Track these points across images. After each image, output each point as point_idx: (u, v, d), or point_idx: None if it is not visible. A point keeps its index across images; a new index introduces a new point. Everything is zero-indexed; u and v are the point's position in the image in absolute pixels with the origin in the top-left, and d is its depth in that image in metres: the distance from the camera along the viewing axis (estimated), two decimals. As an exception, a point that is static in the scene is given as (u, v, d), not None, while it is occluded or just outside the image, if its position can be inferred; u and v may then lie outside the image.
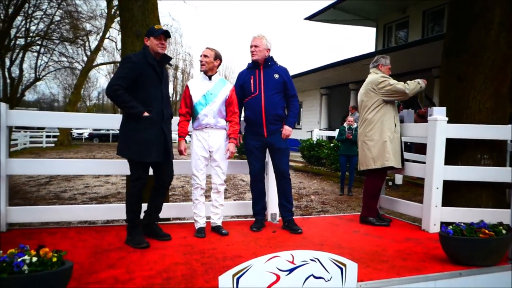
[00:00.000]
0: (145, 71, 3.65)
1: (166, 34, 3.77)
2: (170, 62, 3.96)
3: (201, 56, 4.16)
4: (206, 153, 4.10)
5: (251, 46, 4.33)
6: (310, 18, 19.57)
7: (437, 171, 4.36)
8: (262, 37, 4.34)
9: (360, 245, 3.83)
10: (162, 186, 3.94)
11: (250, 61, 4.43)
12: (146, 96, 3.65)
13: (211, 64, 4.13)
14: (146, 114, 3.62)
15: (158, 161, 3.77)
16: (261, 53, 4.31)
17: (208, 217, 4.27)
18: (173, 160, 4.06)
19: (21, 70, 25.81)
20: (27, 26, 23.16)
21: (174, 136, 4.24)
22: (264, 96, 4.26)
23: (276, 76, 4.34)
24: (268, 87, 4.29)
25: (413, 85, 4.54)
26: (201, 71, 4.21)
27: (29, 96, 42.32)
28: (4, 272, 2.14)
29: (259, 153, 4.40)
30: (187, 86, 4.17)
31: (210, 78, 4.16)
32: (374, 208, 4.75)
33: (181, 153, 4.07)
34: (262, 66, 4.35)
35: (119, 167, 4.36)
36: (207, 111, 4.07)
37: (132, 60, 3.64)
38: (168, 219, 4.85)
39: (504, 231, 3.29)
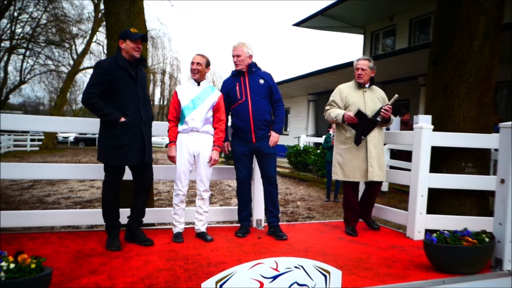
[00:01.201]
0: (117, 75, 3.65)
1: (143, 39, 3.80)
2: (145, 64, 3.96)
3: (193, 63, 4.14)
4: (191, 158, 4.10)
5: (233, 56, 4.32)
6: (298, 24, 19.66)
7: (422, 179, 4.39)
8: (243, 45, 4.32)
9: (345, 252, 3.83)
10: (142, 190, 3.93)
11: (234, 70, 4.43)
12: (121, 99, 3.66)
13: (203, 72, 4.18)
14: (122, 119, 3.63)
15: (136, 164, 3.80)
16: (244, 62, 4.31)
17: (192, 223, 4.25)
18: (161, 166, 4.00)
19: (5, 72, 25.55)
20: (13, 29, 22.96)
21: (154, 139, 4.21)
22: (251, 102, 4.26)
23: (262, 81, 4.35)
24: (254, 93, 4.29)
25: (329, 115, 4.60)
26: (193, 79, 4.19)
27: (14, 99, 41.78)
28: (-20, 278, 2.09)
29: (247, 159, 4.39)
30: (175, 92, 4.18)
31: (198, 83, 4.18)
32: (347, 218, 4.71)
33: (171, 159, 4.06)
34: (247, 72, 4.35)
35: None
36: (195, 115, 4.07)
37: (102, 66, 3.66)
38: (153, 224, 4.80)
39: (487, 239, 3.31)
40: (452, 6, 4.71)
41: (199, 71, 4.15)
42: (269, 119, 4.37)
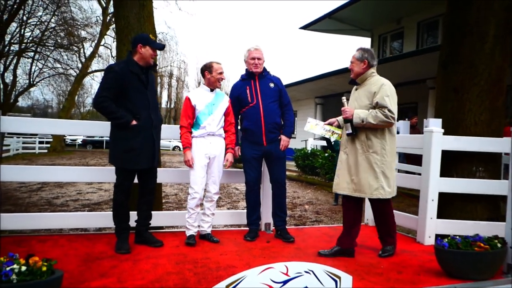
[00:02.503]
0: (129, 80, 3.69)
1: (163, 48, 3.93)
2: (154, 68, 4.02)
3: (221, 74, 4.19)
4: (207, 160, 4.12)
5: (254, 58, 4.31)
6: (305, 27, 19.67)
7: (433, 183, 4.34)
8: (261, 49, 4.37)
9: (354, 257, 3.80)
10: (146, 192, 3.97)
11: (244, 72, 4.45)
12: (132, 104, 3.70)
13: None
14: (134, 122, 3.67)
15: (146, 168, 3.83)
16: (262, 65, 4.36)
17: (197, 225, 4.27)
18: (168, 168, 4.00)
19: (15, 76, 25.71)
20: (22, 32, 23.14)
21: (162, 142, 4.23)
22: (262, 105, 4.27)
23: (272, 85, 4.37)
24: (265, 96, 4.30)
25: None
26: (217, 87, 4.26)
27: (23, 102, 42.06)
28: (-9, 281, 2.10)
29: (256, 162, 4.39)
30: (188, 98, 4.17)
31: (212, 90, 4.22)
32: None
33: (188, 163, 4.05)
34: (257, 76, 4.35)
35: (112, 174, 4.32)
36: (211, 120, 4.12)
37: (114, 70, 3.69)
38: (161, 228, 4.80)
39: (499, 245, 3.27)
40: (462, 8, 4.68)
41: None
42: (280, 122, 4.38)
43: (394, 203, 9.10)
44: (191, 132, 4.14)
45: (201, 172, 4.09)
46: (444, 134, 4.39)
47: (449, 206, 4.59)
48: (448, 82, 4.75)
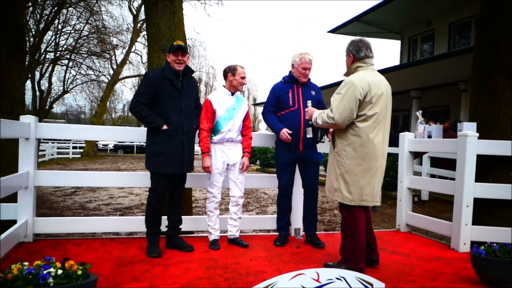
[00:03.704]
0: (162, 86, 3.78)
1: (181, 50, 3.80)
2: (191, 75, 4.03)
3: (244, 78, 4.20)
4: (224, 166, 4.15)
5: (306, 69, 4.29)
6: (333, 31, 19.52)
7: (467, 189, 4.22)
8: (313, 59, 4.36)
9: (386, 264, 3.72)
10: (175, 196, 4.03)
11: (288, 75, 4.43)
12: (163, 109, 3.79)
13: None
14: (165, 127, 3.75)
15: (176, 173, 3.87)
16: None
17: (226, 230, 4.29)
18: (197, 173, 4.04)
19: (50, 83, 26.55)
20: (57, 41, 23.88)
21: (197, 148, 4.25)
22: (304, 111, 4.25)
23: (313, 92, 4.40)
24: (307, 102, 4.28)
25: None
26: (239, 91, 4.28)
27: (57, 108, 43.29)
28: (30, 284, 2.16)
29: (290, 167, 4.38)
30: (209, 101, 4.10)
31: (232, 93, 4.22)
32: None
33: (207, 169, 4.07)
34: (300, 81, 4.35)
35: (143, 179, 4.40)
36: (231, 126, 4.12)
37: (149, 77, 3.84)
38: (191, 232, 4.84)
39: (539, 253, 3.15)
40: (496, 8, 4.55)
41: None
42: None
43: (426, 208, 8.93)
44: (210, 137, 4.14)
45: (218, 177, 4.12)
46: (478, 138, 4.26)
47: (485, 212, 4.44)
48: (483, 84, 4.62)
